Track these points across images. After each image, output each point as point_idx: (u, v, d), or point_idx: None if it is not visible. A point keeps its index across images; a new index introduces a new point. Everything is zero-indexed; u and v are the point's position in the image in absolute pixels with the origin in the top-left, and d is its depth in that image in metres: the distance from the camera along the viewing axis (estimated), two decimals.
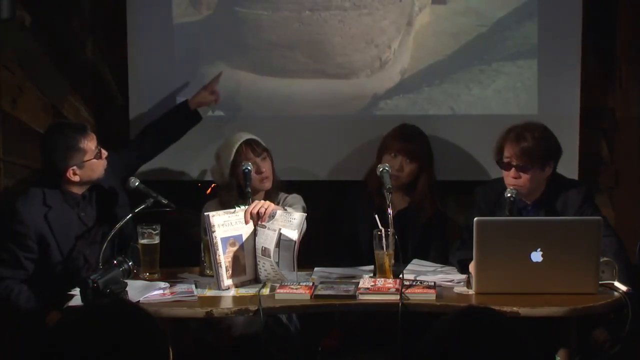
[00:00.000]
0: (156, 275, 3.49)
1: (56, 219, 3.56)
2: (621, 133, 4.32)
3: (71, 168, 3.53)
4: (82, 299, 3.04)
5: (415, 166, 3.93)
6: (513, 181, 3.51)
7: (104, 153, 3.62)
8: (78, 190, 3.61)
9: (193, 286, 3.33)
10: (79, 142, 3.54)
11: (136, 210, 3.55)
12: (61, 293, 3.31)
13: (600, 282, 3.17)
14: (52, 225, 3.54)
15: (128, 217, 3.53)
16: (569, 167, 4.02)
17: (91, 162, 3.56)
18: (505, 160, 3.54)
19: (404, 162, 3.91)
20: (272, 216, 3.35)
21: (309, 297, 3.20)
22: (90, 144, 3.56)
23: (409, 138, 3.95)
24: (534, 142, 3.50)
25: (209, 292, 3.30)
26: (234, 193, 3.78)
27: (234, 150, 3.79)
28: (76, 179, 3.56)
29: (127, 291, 3.13)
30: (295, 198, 3.82)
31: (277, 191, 3.85)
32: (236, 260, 3.36)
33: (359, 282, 3.30)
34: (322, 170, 4.42)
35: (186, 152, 4.39)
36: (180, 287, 3.32)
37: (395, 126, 4.04)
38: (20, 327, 3.57)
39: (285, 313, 3.50)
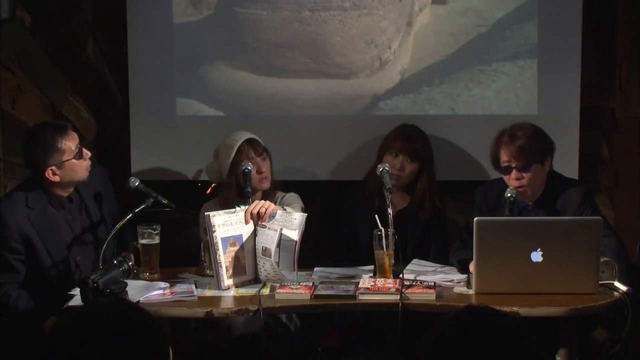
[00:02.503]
0: (156, 275, 3.49)
1: (40, 221, 3.53)
2: (621, 133, 4.33)
3: (50, 168, 3.50)
4: (82, 299, 3.03)
5: (416, 166, 3.94)
6: (516, 183, 3.50)
7: (87, 153, 3.58)
8: (62, 192, 3.59)
9: (193, 286, 3.32)
10: (56, 142, 3.50)
11: (136, 210, 3.55)
12: (55, 298, 3.31)
13: (600, 282, 3.16)
14: (36, 227, 3.51)
15: (128, 217, 3.52)
16: (569, 167, 4.03)
17: (71, 162, 3.52)
18: (504, 164, 3.53)
19: (405, 161, 3.92)
20: (272, 216, 3.35)
21: (309, 297, 3.19)
22: (69, 143, 3.52)
23: (410, 138, 3.96)
24: (528, 139, 3.51)
25: (209, 292, 3.30)
26: (233, 192, 3.78)
27: (235, 149, 3.78)
28: (56, 179, 3.52)
29: (127, 291, 3.13)
30: (293, 197, 3.82)
31: (275, 190, 3.85)
32: (236, 260, 3.35)
33: (358, 282, 3.30)
34: (322, 170, 4.42)
35: (186, 152, 4.40)
36: (180, 287, 3.32)
37: (396, 126, 4.04)
38: (19, 331, 3.56)
39: (285, 313, 3.50)
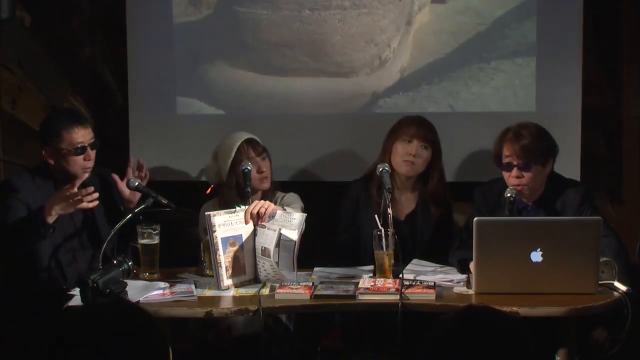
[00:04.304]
0: (156, 275, 3.49)
1: (44, 199, 3.51)
2: (621, 133, 4.32)
3: (45, 148, 3.56)
4: (82, 299, 3.03)
5: (430, 154, 3.81)
6: (516, 181, 3.50)
7: (89, 155, 3.59)
8: (67, 181, 3.59)
9: (193, 286, 3.32)
10: (59, 127, 3.54)
11: (136, 210, 3.54)
12: (50, 291, 3.33)
13: (600, 282, 3.16)
14: (40, 204, 3.52)
15: (128, 217, 3.51)
16: (570, 167, 4.03)
17: (67, 153, 3.54)
18: (506, 160, 3.54)
19: (419, 147, 3.79)
20: (272, 216, 3.35)
21: (308, 297, 3.19)
22: (74, 135, 3.54)
23: (422, 124, 3.85)
24: (532, 140, 3.51)
25: (208, 292, 3.30)
26: (233, 193, 3.78)
27: (235, 149, 3.78)
28: (50, 161, 3.57)
29: (127, 291, 3.13)
30: (292, 197, 3.82)
31: (274, 190, 3.85)
32: (236, 260, 3.35)
33: (358, 282, 3.30)
34: (322, 170, 4.42)
35: (186, 151, 4.40)
36: (180, 287, 3.32)
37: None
38: (18, 329, 3.56)
39: (285, 313, 3.50)
